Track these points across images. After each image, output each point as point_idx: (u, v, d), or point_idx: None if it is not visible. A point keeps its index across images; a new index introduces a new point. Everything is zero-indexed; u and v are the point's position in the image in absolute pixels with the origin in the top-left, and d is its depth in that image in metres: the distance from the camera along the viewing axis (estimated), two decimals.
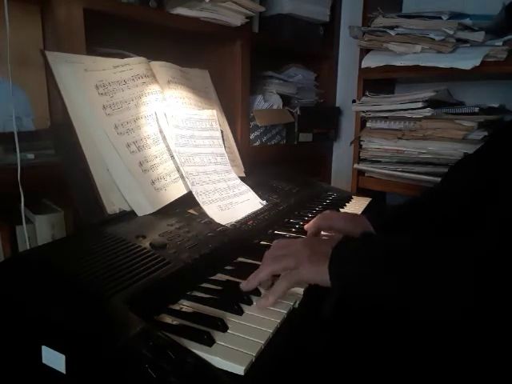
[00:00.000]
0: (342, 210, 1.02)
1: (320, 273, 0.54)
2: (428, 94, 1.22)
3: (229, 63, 1.21)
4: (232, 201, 0.86)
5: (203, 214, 0.77)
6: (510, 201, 0.63)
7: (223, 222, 0.77)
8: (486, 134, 1.16)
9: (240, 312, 0.52)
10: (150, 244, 0.62)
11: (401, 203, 0.84)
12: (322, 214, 0.82)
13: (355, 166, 1.44)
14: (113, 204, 0.71)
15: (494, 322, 0.47)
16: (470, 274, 0.46)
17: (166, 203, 0.77)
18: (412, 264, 0.50)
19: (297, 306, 0.56)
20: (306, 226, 0.82)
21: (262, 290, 0.58)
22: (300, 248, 0.58)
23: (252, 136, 1.29)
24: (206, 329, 0.47)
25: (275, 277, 0.59)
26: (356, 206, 1.08)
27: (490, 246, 0.48)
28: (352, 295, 0.57)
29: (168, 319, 0.50)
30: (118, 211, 0.72)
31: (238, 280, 0.61)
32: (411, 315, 0.53)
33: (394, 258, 0.52)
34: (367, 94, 1.37)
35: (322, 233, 0.80)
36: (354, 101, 1.41)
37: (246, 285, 0.58)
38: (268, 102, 1.36)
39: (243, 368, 0.41)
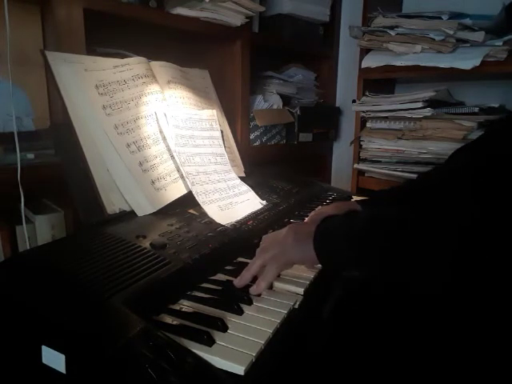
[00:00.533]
0: None
1: (306, 251, 0.55)
2: (428, 93, 1.22)
3: (229, 63, 1.21)
4: (232, 201, 0.86)
5: (203, 214, 0.77)
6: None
7: (223, 222, 0.77)
8: None
9: (240, 312, 0.52)
10: (150, 244, 0.62)
11: (391, 186, 0.85)
12: (314, 212, 0.83)
13: (355, 165, 1.44)
14: (113, 204, 0.71)
15: (475, 296, 0.47)
16: (448, 247, 0.46)
17: (166, 203, 0.77)
18: (389, 235, 0.51)
19: (297, 306, 0.56)
20: None
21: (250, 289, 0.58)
22: (285, 233, 0.59)
23: (252, 136, 1.29)
24: (206, 329, 0.47)
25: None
26: None
27: (469, 218, 0.47)
28: (343, 274, 0.57)
29: (168, 319, 0.50)
30: (117, 211, 0.72)
31: None
32: (392, 288, 0.54)
33: (373, 228, 0.52)
34: (367, 93, 1.37)
35: None
36: (354, 101, 1.41)
37: (239, 281, 0.58)
38: (268, 101, 1.36)
39: (243, 368, 0.41)
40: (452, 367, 0.54)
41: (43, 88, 0.88)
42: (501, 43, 1.09)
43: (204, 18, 1.06)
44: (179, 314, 0.51)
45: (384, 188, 1.37)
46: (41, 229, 0.79)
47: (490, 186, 0.50)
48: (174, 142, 0.82)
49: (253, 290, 0.56)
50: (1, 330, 0.49)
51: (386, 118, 1.35)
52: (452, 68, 1.15)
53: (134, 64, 0.83)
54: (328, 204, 1.06)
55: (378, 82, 1.41)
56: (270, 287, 0.60)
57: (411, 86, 1.48)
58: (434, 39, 1.18)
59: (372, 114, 1.38)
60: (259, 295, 0.57)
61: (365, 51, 1.37)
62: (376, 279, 0.55)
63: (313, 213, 0.82)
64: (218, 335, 0.46)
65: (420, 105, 1.23)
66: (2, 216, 0.77)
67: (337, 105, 1.71)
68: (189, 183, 0.80)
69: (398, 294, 0.61)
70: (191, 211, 0.78)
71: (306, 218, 0.82)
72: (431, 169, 0.88)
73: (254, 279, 0.59)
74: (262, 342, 0.46)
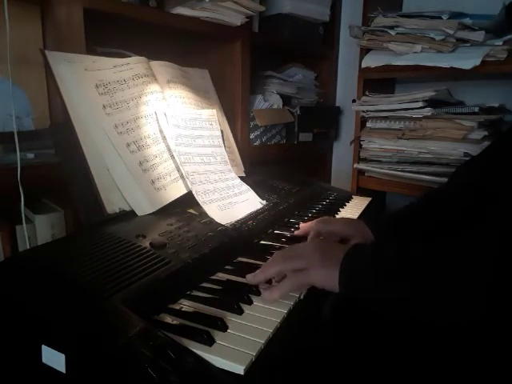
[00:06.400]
0: (342, 209, 1.02)
1: (329, 277, 0.55)
2: (428, 93, 1.22)
3: (229, 63, 1.21)
4: (232, 200, 0.86)
5: (203, 214, 0.77)
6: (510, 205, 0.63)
7: (223, 222, 0.77)
8: (486, 133, 1.16)
9: (240, 312, 0.52)
10: (150, 244, 0.62)
11: (399, 207, 0.84)
12: (321, 219, 0.82)
13: (355, 165, 1.44)
14: (113, 204, 0.71)
15: (502, 328, 0.47)
16: (483, 282, 0.46)
17: (166, 203, 0.77)
18: (424, 274, 0.50)
19: (297, 305, 0.56)
20: (302, 226, 0.81)
21: (262, 291, 0.58)
22: (311, 251, 0.59)
23: (252, 136, 1.29)
24: (206, 328, 0.47)
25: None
26: (356, 205, 1.08)
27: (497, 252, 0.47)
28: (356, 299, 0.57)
29: (168, 319, 0.50)
30: (117, 211, 0.72)
31: (238, 279, 0.61)
32: (419, 321, 0.53)
33: (407, 268, 0.52)
34: (367, 93, 1.37)
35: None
36: (354, 100, 1.41)
37: (252, 278, 0.59)
38: (268, 101, 1.36)
39: (243, 368, 0.41)
40: (455, 371, 0.54)
41: (43, 88, 0.88)
42: (501, 43, 1.09)
43: (204, 17, 1.06)
44: (179, 313, 0.51)
45: (384, 190, 1.39)
46: (41, 228, 0.79)
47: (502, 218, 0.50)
48: (174, 142, 0.82)
49: (265, 296, 0.56)
50: (1, 330, 0.49)
51: (386, 117, 1.35)
52: (452, 68, 1.14)
53: (134, 63, 0.83)
54: (328, 204, 1.06)
55: (378, 82, 1.41)
56: (269, 281, 0.60)
57: (411, 86, 1.48)
58: (434, 39, 1.18)
59: (372, 114, 1.38)
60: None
61: (365, 51, 1.37)
62: (401, 316, 0.54)
63: (318, 220, 0.80)
64: (218, 335, 0.46)
65: (420, 104, 1.23)
66: (2, 216, 0.77)
67: (337, 104, 1.71)
68: (189, 183, 0.80)
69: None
70: (191, 211, 0.78)
71: (310, 223, 0.80)
72: (435, 189, 0.88)
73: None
74: (262, 342, 0.46)
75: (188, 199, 0.80)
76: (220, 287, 0.59)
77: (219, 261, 0.66)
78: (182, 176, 0.82)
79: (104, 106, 0.75)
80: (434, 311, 0.50)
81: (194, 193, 0.80)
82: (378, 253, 0.55)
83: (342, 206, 1.05)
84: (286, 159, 1.41)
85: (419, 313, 0.51)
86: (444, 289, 0.48)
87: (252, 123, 1.28)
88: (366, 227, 0.77)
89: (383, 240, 0.74)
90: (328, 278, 0.55)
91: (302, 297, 0.58)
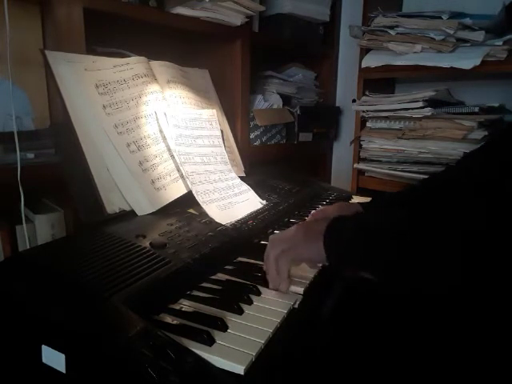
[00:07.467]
0: None
1: (315, 250, 0.56)
2: (428, 93, 1.22)
3: (229, 63, 1.21)
4: (232, 200, 0.86)
5: (203, 214, 0.77)
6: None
7: (223, 222, 0.77)
8: (486, 133, 1.16)
9: (240, 312, 0.52)
10: (150, 243, 0.62)
11: (395, 191, 0.85)
12: (316, 211, 0.83)
13: (355, 165, 1.44)
14: (113, 204, 0.71)
15: (483, 301, 0.48)
16: (457, 251, 0.47)
17: (166, 203, 0.77)
18: (404, 237, 0.51)
19: (297, 305, 0.56)
20: None
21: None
22: (294, 231, 0.60)
23: (252, 136, 1.29)
24: (206, 328, 0.47)
25: None
26: None
27: (478, 222, 0.48)
28: (350, 276, 0.58)
29: (168, 319, 0.50)
30: (117, 211, 0.72)
31: (238, 280, 0.61)
32: (400, 289, 0.54)
33: (391, 228, 0.53)
34: (367, 93, 1.37)
35: None
36: (354, 100, 1.41)
37: (271, 286, 0.59)
38: (268, 101, 1.35)
39: (243, 368, 0.41)
40: (454, 369, 0.54)
41: (43, 88, 0.88)
42: (501, 43, 1.09)
43: (204, 17, 1.06)
44: (179, 313, 0.51)
45: (384, 190, 1.39)
46: (41, 228, 0.79)
47: (498, 194, 0.50)
48: (174, 142, 0.82)
49: (282, 288, 0.58)
50: (1, 330, 0.49)
51: (386, 117, 1.35)
52: (452, 68, 1.14)
53: (134, 63, 0.83)
54: (328, 204, 1.06)
55: (378, 82, 1.41)
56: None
57: (411, 86, 1.48)
58: (434, 39, 1.18)
59: (372, 114, 1.38)
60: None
61: (365, 51, 1.37)
62: (384, 281, 0.55)
63: (315, 212, 0.82)
64: (218, 335, 0.46)
65: (420, 104, 1.23)
66: (2, 216, 0.77)
67: (337, 104, 1.71)
68: (189, 183, 0.80)
69: (399, 294, 0.61)
70: (191, 211, 0.78)
71: (308, 218, 0.82)
72: (432, 175, 0.89)
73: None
74: (262, 342, 0.46)
75: (188, 199, 0.80)
76: (220, 287, 0.59)
77: (219, 261, 0.66)
78: (182, 176, 0.82)
79: (104, 106, 0.75)
80: (418, 273, 0.50)
81: (194, 193, 0.80)
82: (361, 219, 0.57)
83: None
84: (285, 159, 1.40)
85: (398, 278, 0.52)
86: (425, 250, 0.49)
87: (252, 123, 1.28)
88: (360, 209, 0.79)
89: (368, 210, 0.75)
90: (313, 250, 0.56)
91: (302, 294, 0.58)
